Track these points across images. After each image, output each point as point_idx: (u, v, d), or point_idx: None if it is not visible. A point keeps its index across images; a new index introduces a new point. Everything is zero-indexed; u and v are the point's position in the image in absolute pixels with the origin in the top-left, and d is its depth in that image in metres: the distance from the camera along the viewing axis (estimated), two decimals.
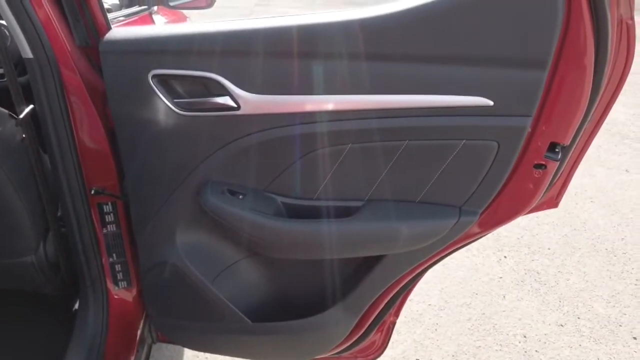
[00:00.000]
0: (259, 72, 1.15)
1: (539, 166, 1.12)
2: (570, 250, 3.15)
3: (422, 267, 1.29)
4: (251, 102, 1.16)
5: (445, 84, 1.06)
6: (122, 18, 2.06)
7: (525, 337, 2.44)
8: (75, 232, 1.47)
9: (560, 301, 2.69)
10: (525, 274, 2.92)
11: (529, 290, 2.78)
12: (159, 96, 1.21)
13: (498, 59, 1.02)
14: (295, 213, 1.28)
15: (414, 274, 1.31)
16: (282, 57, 1.12)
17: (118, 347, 1.59)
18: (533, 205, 1.17)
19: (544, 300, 2.70)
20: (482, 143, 1.09)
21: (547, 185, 1.14)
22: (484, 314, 2.59)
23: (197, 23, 1.26)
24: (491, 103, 1.05)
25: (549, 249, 3.15)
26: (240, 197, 1.27)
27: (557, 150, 1.10)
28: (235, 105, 1.17)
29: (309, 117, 1.16)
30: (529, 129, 1.06)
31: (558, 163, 1.11)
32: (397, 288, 1.34)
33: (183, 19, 3.07)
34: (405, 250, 1.21)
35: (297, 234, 1.22)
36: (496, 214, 1.18)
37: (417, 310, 2.60)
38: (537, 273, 2.93)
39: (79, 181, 1.39)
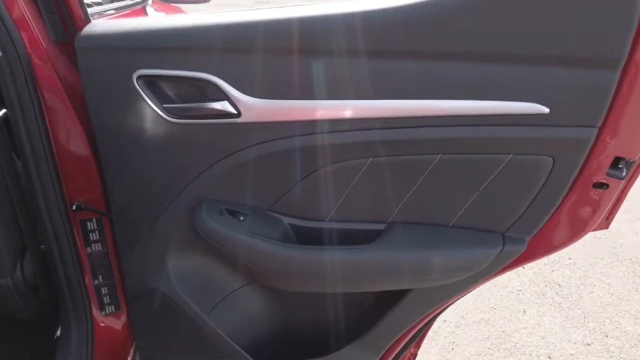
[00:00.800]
0: (262, 73, 0.96)
1: (599, 185, 0.93)
2: (592, 260, 2.96)
3: (455, 300, 1.10)
4: (253, 108, 0.98)
5: (489, 88, 0.87)
6: (112, 12, 1.87)
7: (550, 358, 2.26)
8: (55, 252, 1.30)
9: (585, 317, 2.50)
10: (546, 286, 2.73)
11: (550, 305, 2.59)
12: (145, 100, 1.03)
13: (557, 57, 0.83)
14: (306, 237, 1.09)
15: (444, 307, 1.12)
16: (289, 55, 0.93)
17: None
18: (589, 231, 0.98)
19: (568, 315, 2.51)
20: (534, 158, 0.90)
21: (607, 208, 0.95)
22: (504, 331, 2.40)
23: (191, 15, 1.07)
24: (547, 110, 0.86)
25: (569, 259, 2.96)
26: (241, 218, 1.09)
27: (620, 166, 0.92)
28: (234, 111, 0.99)
29: (323, 126, 0.97)
30: (592, 142, 0.87)
31: (622, 182, 0.92)
32: (424, 323, 1.15)
33: (180, 14, 2.88)
34: (437, 284, 1.02)
35: (308, 263, 1.04)
36: (545, 242, 0.99)
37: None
38: (559, 285, 2.74)
39: (58, 195, 1.22)
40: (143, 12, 2.11)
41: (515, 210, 0.96)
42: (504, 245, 0.97)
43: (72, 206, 1.27)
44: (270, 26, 0.93)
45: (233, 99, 0.98)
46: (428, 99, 0.90)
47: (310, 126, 0.97)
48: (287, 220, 1.10)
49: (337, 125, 0.96)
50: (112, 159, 1.13)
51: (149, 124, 1.05)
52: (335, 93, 0.94)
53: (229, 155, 1.05)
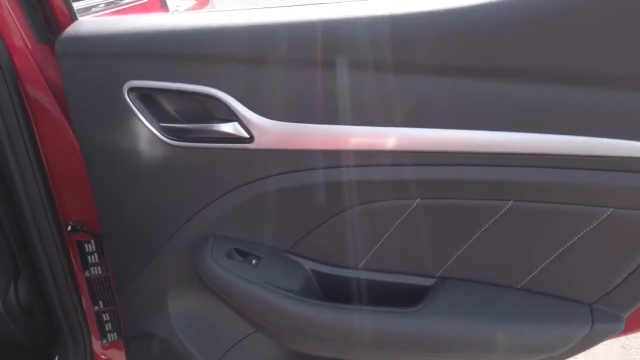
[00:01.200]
0: (281, 89, 0.75)
1: None
2: None
3: None
4: (269, 131, 0.77)
5: (589, 119, 0.64)
6: (106, 5, 1.67)
7: None
8: (47, 276, 1.14)
9: None
10: None
11: None
12: (138, 118, 0.84)
13: None
14: (332, 287, 0.89)
15: None
16: (314, 67, 0.72)
17: None
18: None
19: None
20: None
21: None
22: None
23: (198, 12, 0.86)
24: None
25: None
26: (254, 261, 0.89)
27: None
28: (246, 135, 0.79)
29: (357, 158, 0.76)
30: None
31: None
32: None
33: (205, 2, 2.68)
34: None
35: (334, 327, 0.83)
36: None
37: None
38: None
39: (48, 214, 1.06)
40: (160, 2, 1.91)
41: (609, 277, 0.73)
42: (593, 322, 0.73)
43: (67, 226, 1.10)
44: (291, 31, 0.72)
45: (244, 121, 0.78)
46: (500, 130, 0.67)
47: (341, 157, 0.76)
48: (309, 265, 0.89)
49: (375, 157, 0.74)
50: (101, 183, 0.95)
51: (143, 145, 0.86)
52: (373, 117, 0.72)
53: (239, 186, 0.85)
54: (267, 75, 0.75)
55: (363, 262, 0.86)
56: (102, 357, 1.31)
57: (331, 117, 0.74)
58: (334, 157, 0.76)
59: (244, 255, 0.90)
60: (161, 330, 1.06)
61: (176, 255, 0.96)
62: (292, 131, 0.77)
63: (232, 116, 0.79)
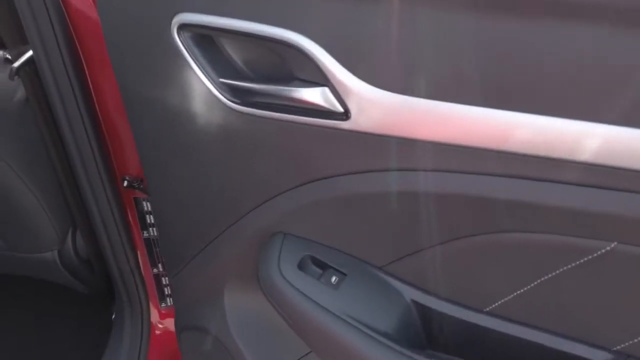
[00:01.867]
0: (404, 43, 0.46)
1: None
2: None
3: None
4: (376, 106, 0.51)
5: None
6: None
7: None
8: (102, 233, 1.00)
9: None
10: None
11: None
12: (190, 67, 0.59)
13: None
14: (441, 332, 0.63)
15: None
16: (474, 10, 0.42)
17: None
18: None
19: None
20: None
21: None
22: None
23: None
24: None
25: None
26: (334, 279, 0.64)
27: None
28: (339, 109, 0.52)
29: (523, 165, 0.47)
30: None
31: None
32: None
33: None
34: None
35: None
36: None
37: None
38: None
39: (101, 167, 0.91)
40: None
41: None
42: None
43: (124, 182, 0.92)
44: None
45: (338, 87, 0.51)
46: None
47: (495, 160, 0.47)
48: (410, 293, 0.63)
49: (557, 168, 0.45)
50: (146, 147, 0.74)
51: (196, 105, 0.62)
52: (563, 103, 0.42)
53: (323, 178, 0.59)
54: (381, 17, 0.47)
55: (495, 304, 0.59)
56: (159, 324, 1.18)
57: (487, 97, 0.45)
58: (481, 159, 0.47)
59: (322, 267, 0.66)
60: (214, 328, 0.86)
61: (235, 248, 0.74)
62: (411, 110, 0.49)
63: (321, 78, 0.52)
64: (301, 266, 0.66)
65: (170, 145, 0.69)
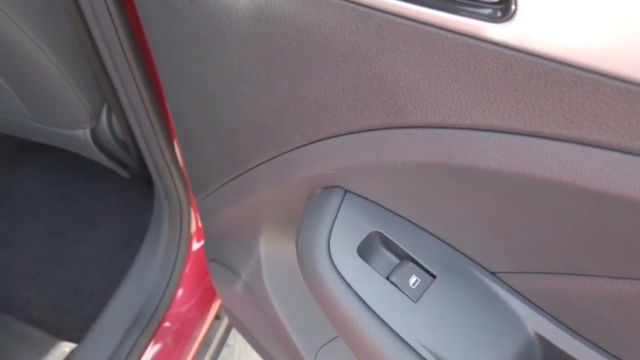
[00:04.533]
0: None
1: None
2: None
3: None
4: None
5: None
6: None
7: None
8: (133, 122, 0.85)
9: None
10: None
11: None
12: None
13: None
14: None
15: None
16: None
17: (204, 279, 1.11)
18: None
19: None
20: None
21: None
22: None
23: None
24: None
25: None
26: (414, 281, 0.40)
27: None
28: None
29: None
30: None
31: None
32: None
33: None
34: None
35: None
36: None
37: None
38: None
39: (124, 42, 0.71)
40: None
41: None
42: None
43: None
44: None
45: None
46: None
47: None
48: (536, 323, 0.39)
49: None
50: (158, 40, 0.49)
51: None
52: None
53: (440, 127, 0.33)
54: None
55: None
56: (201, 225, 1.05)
57: None
58: None
59: (397, 255, 0.42)
60: (246, 274, 0.68)
61: (276, 188, 0.51)
62: None
63: None
64: (364, 249, 0.42)
65: (180, 28, 0.43)
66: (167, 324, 1.03)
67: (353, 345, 0.42)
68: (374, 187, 0.43)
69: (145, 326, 1.00)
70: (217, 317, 1.12)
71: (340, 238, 0.43)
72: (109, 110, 1.01)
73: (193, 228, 1.08)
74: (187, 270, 1.09)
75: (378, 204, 0.44)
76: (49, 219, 1.37)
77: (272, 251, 0.63)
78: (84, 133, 1.03)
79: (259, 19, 0.39)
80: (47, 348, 1.11)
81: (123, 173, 1.18)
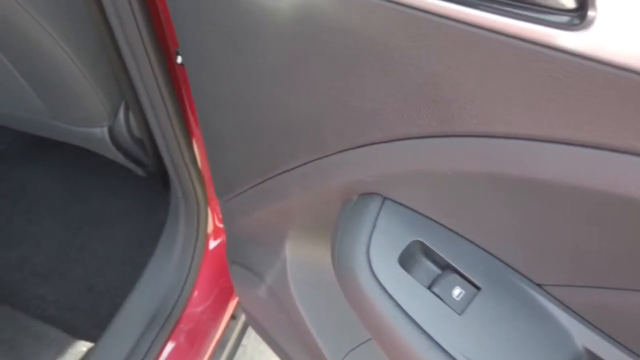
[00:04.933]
0: None
1: None
2: None
3: None
4: None
5: None
6: None
7: None
8: (152, 120, 0.83)
9: None
10: None
11: None
12: None
13: None
14: None
15: None
16: None
17: (220, 279, 1.09)
18: None
19: None
20: None
21: None
22: None
23: None
24: None
25: None
26: (458, 293, 0.39)
27: None
28: (570, 1, 0.22)
29: None
30: None
31: None
32: None
33: None
34: None
35: None
36: None
37: None
38: None
39: (145, 35, 0.69)
40: None
41: None
42: None
43: (177, 57, 0.73)
44: None
45: None
46: None
47: None
48: (585, 338, 0.38)
49: None
50: (189, 39, 0.48)
51: None
52: None
53: (501, 136, 0.31)
54: None
55: None
56: (217, 227, 1.06)
57: None
58: None
59: (440, 265, 0.41)
60: (271, 279, 0.67)
61: (307, 194, 0.50)
62: None
63: None
64: (404, 259, 0.41)
65: (235, 25, 0.42)
66: (183, 324, 1.03)
67: (394, 358, 0.41)
68: (415, 194, 0.42)
69: (162, 326, 1.00)
70: (234, 316, 1.11)
71: (380, 247, 0.42)
72: (127, 109, 1.00)
73: (210, 228, 1.07)
74: (203, 269, 1.08)
75: (418, 212, 0.43)
76: (63, 215, 1.36)
77: (299, 255, 0.62)
78: (102, 131, 1.02)
79: (300, 21, 0.38)
80: (64, 347, 1.10)
81: (138, 171, 1.17)
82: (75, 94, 0.94)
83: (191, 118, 0.86)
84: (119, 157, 1.10)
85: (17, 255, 1.28)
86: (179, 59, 0.74)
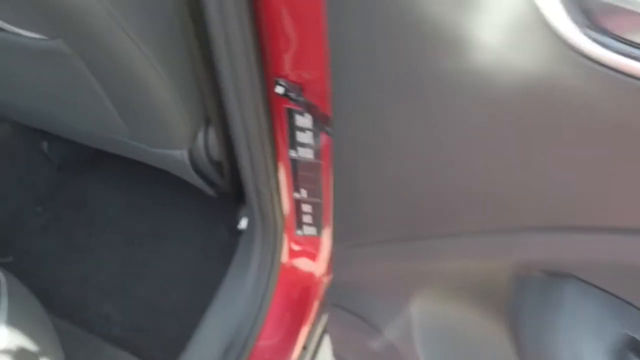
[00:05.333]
0: None
1: None
2: None
3: None
4: None
5: None
6: None
7: None
8: (242, 143, 0.80)
9: None
10: None
11: None
12: None
13: None
14: None
15: None
16: None
17: (291, 309, 1.07)
18: None
19: None
20: None
21: None
22: None
23: None
24: None
25: None
26: None
27: None
28: None
29: None
30: None
31: None
32: None
33: None
34: None
35: None
36: None
37: None
38: None
39: (252, 61, 0.66)
40: None
41: None
42: None
43: (277, 86, 0.70)
44: None
45: None
46: None
47: None
48: None
49: None
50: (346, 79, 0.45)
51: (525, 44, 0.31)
52: None
53: None
54: None
55: None
56: (293, 248, 1.04)
57: None
58: None
59: None
60: (391, 333, 0.63)
61: (458, 263, 0.47)
62: None
63: None
64: (613, 355, 0.37)
65: (403, 77, 0.39)
66: (258, 354, 1.00)
67: None
68: (621, 280, 0.38)
69: (237, 356, 0.97)
70: (304, 347, 1.08)
71: (585, 339, 0.37)
72: (206, 132, 0.98)
73: (284, 257, 1.04)
74: (276, 297, 1.05)
75: (624, 300, 0.38)
76: (125, 229, 1.34)
77: (431, 316, 0.58)
78: (181, 154, 1.00)
79: (525, 91, 0.34)
80: None
81: (209, 191, 1.14)
82: (162, 118, 0.91)
83: (282, 147, 0.84)
84: (194, 178, 1.08)
85: (80, 270, 1.26)
86: (280, 90, 0.71)
